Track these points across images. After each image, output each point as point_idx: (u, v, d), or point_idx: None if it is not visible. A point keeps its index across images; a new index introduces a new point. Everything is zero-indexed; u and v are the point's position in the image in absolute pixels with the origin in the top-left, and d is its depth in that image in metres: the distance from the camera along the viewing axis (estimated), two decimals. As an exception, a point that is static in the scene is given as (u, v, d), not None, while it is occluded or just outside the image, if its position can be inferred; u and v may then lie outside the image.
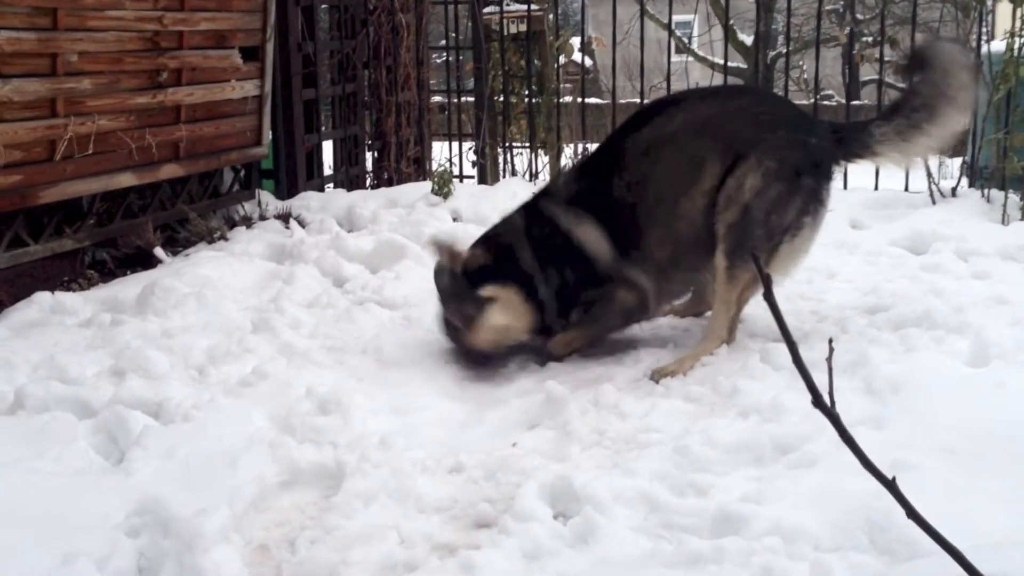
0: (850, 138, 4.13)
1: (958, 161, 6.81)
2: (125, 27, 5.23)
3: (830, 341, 1.47)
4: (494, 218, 6.11)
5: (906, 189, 6.41)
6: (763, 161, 3.95)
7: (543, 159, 8.13)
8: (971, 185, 6.39)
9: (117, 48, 5.21)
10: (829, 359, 1.34)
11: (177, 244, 5.87)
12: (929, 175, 6.11)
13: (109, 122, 5.23)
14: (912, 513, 1.21)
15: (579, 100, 8.26)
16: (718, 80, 19.02)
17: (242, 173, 6.69)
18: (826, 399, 1.24)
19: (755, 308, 4.41)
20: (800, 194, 3.97)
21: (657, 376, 3.82)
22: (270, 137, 6.74)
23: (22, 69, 4.69)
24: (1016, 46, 5.77)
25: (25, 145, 4.78)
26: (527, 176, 7.79)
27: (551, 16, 8.91)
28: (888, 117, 4.09)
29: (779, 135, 4.03)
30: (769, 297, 1.35)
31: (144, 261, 5.52)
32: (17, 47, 4.63)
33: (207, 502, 2.83)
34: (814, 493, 2.77)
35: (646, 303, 4.13)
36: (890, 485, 1.24)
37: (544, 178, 7.77)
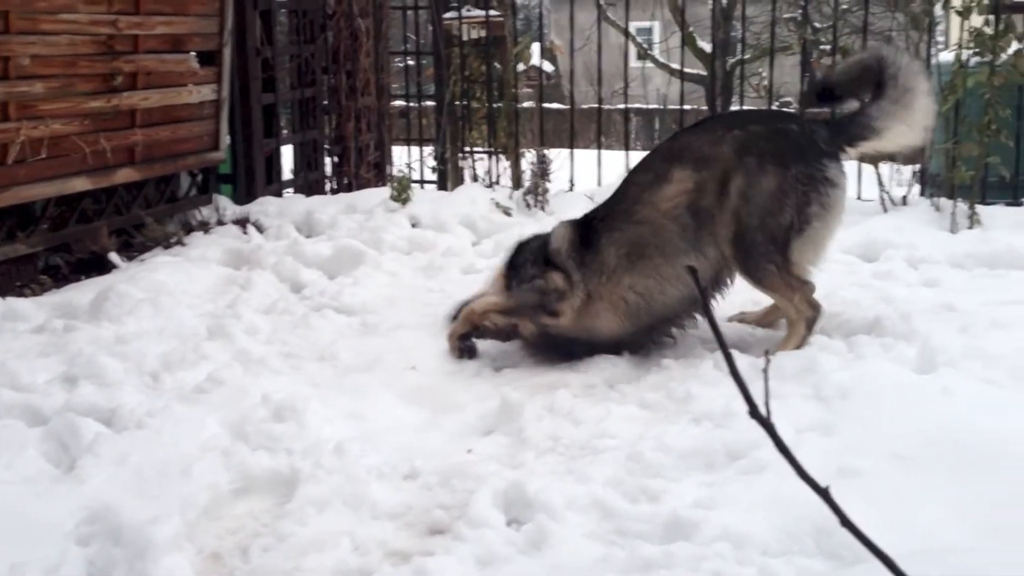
0: (849, 122, 4.13)
1: (911, 169, 6.90)
2: (79, 30, 5.20)
3: (766, 352, 1.50)
4: (453, 224, 6.15)
5: (859, 197, 6.50)
6: (744, 158, 3.99)
7: (503, 164, 8.15)
8: (922, 194, 6.49)
9: (71, 52, 5.17)
10: (765, 369, 1.37)
11: (133, 249, 5.83)
12: (880, 184, 6.20)
13: (63, 126, 5.18)
14: (845, 522, 1.24)
15: (540, 105, 8.27)
16: (676, 86, 19.16)
17: (199, 178, 6.66)
18: (763, 409, 1.26)
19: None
20: (795, 183, 3.96)
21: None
22: (228, 142, 6.71)
23: (-27, 73, 4.66)
24: (964, 57, 5.87)
25: (-24, 149, 4.74)
26: (487, 182, 7.80)
27: (511, 22, 8.93)
28: (876, 100, 4.10)
29: (752, 129, 4.08)
30: (707, 311, 1.38)
31: (99, 266, 5.47)
32: (-32, 51, 4.59)
33: (159, 510, 2.83)
34: (764, 499, 2.81)
35: (567, 290, 4.12)
36: (824, 494, 1.27)
37: (504, 183, 7.79)
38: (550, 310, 4.13)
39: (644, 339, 4.18)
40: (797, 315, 4.03)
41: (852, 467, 2.85)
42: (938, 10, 6.31)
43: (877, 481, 2.81)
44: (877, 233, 5.55)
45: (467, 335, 4.23)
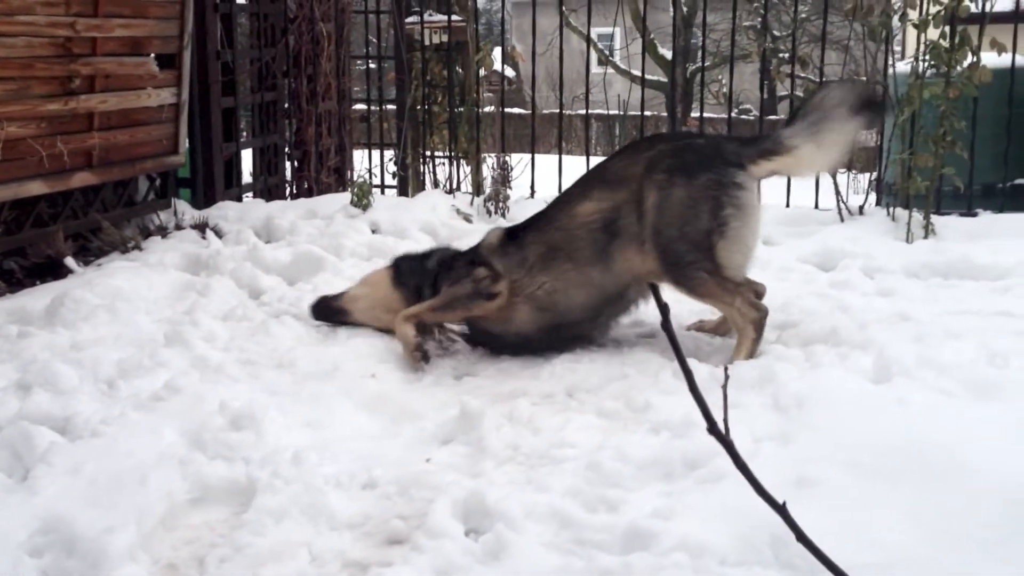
0: (763, 139, 4.37)
1: (867, 177, 7.00)
2: (36, 32, 5.13)
3: (725, 368, 1.52)
4: (413, 230, 6.14)
5: (816, 206, 6.57)
6: (653, 175, 4.19)
7: (464, 170, 8.15)
8: (878, 203, 6.57)
9: (28, 54, 5.11)
10: (724, 386, 1.38)
11: (89, 254, 5.76)
12: (838, 192, 6.27)
13: (19, 129, 5.12)
14: (801, 536, 1.26)
15: (501, 110, 8.28)
16: (637, 92, 19.30)
17: (158, 182, 6.60)
18: (721, 425, 1.27)
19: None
20: (704, 191, 4.11)
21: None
22: (187, 145, 6.65)
23: (-73, 75, 4.59)
24: (920, 69, 5.95)
25: (-70, 152, 4.66)
26: (448, 188, 7.79)
27: (472, 27, 8.93)
28: (792, 123, 4.32)
29: (660, 148, 4.31)
30: (666, 326, 1.39)
31: (54, 271, 5.40)
32: (-79, 52, 4.52)
33: (114, 520, 2.80)
34: (721, 508, 2.82)
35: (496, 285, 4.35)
36: (780, 510, 1.28)
37: (465, 189, 7.79)
38: (487, 293, 4.33)
39: (549, 338, 4.36)
40: (742, 319, 4.13)
41: (809, 477, 2.88)
42: (895, 22, 6.39)
43: (833, 491, 2.84)
44: (834, 242, 5.62)
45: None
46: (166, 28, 6.07)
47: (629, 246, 4.20)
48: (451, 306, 4.39)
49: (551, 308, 4.32)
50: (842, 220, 6.17)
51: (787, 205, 6.66)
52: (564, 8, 11.99)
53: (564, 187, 4.85)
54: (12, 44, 5.00)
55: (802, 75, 7.93)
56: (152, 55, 6.03)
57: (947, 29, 5.94)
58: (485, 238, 4.59)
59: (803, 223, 6.20)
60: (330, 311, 4.66)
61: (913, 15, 5.96)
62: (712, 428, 1.27)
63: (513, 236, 4.49)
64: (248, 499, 3.02)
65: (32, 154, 5.23)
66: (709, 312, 4.54)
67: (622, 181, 4.27)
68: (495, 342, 4.44)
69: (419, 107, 8.46)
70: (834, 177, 6.23)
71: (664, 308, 1.34)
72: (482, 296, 4.33)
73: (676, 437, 3.32)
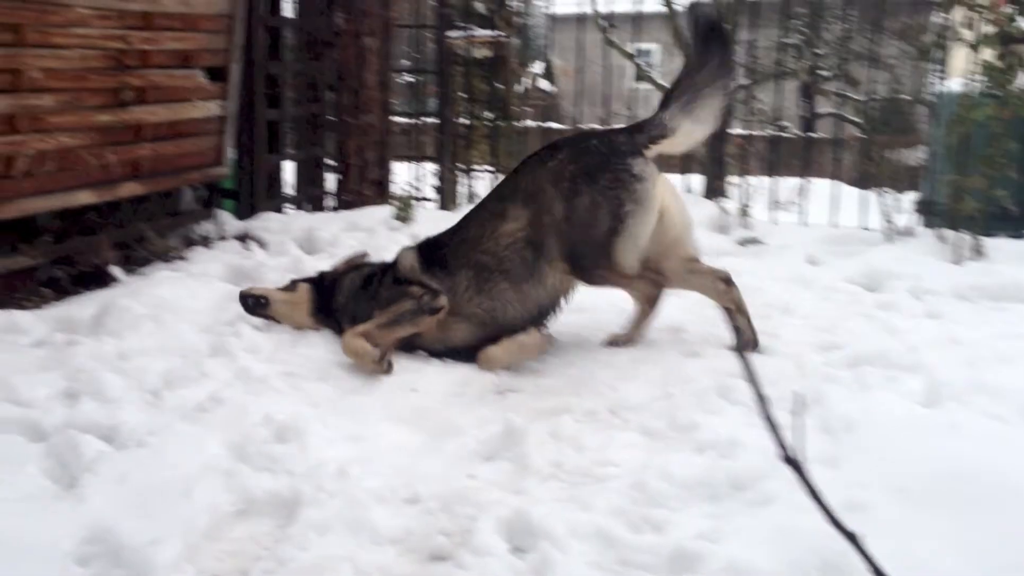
0: (646, 125, 4.56)
1: (909, 197, 6.91)
2: (90, 44, 5.19)
3: (798, 396, 1.49)
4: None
5: (863, 227, 6.50)
6: (559, 185, 4.38)
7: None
8: (926, 224, 6.49)
9: (81, 65, 5.16)
10: (799, 412, 1.35)
11: (134, 263, 5.80)
12: (885, 213, 6.20)
13: (70, 139, 5.17)
14: (876, 570, 1.23)
15: (541, 125, 8.28)
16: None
17: (202, 192, 6.64)
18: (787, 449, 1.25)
19: (708, 342, 4.46)
20: (606, 191, 4.33)
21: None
22: (232, 157, 6.70)
23: (-17, 85, 4.65)
24: (974, 90, 5.87)
25: (-18, 161, 4.72)
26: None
27: (515, 42, 8.95)
28: (666, 106, 4.56)
29: (560, 157, 4.47)
30: (740, 350, 1.37)
31: (100, 280, 5.44)
32: (-21, 62, 4.59)
33: (160, 531, 2.81)
34: (770, 532, 2.79)
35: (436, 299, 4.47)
36: (853, 540, 1.26)
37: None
38: (431, 308, 4.44)
39: (488, 344, 4.44)
40: (643, 300, 4.58)
41: (858, 501, 2.83)
42: (948, 42, 6.32)
43: (883, 516, 2.79)
44: (880, 263, 5.55)
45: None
46: (215, 41, 6.13)
47: (550, 258, 4.42)
48: (398, 323, 4.44)
49: (491, 323, 4.48)
50: (889, 240, 6.09)
51: (832, 225, 6.60)
52: (603, 24, 11.96)
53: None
54: (67, 56, 5.05)
55: (850, 95, 7.86)
56: (201, 68, 6.08)
57: (1000, 48, 5.85)
58: (401, 260, 4.68)
59: (848, 243, 6.14)
60: (253, 306, 4.79)
61: (967, 35, 5.89)
62: (786, 456, 1.24)
63: (431, 256, 4.61)
64: (292, 512, 3.02)
65: (82, 164, 5.29)
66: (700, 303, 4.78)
67: (533, 196, 4.45)
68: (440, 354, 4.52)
69: (459, 120, 8.47)
70: (881, 197, 6.16)
71: (737, 331, 1.31)
72: (425, 311, 4.44)
73: (722, 457, 3.29)
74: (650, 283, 4.55)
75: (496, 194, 4.80)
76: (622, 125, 4.99)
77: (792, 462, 1.26)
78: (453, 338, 4.50)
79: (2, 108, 4.75)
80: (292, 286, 4.86)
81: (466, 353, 4.43)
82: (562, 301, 4.58)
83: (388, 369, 4.21)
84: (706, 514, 2.99)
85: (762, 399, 1.27)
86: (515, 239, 4.44)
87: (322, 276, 4.94)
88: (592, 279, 4.50)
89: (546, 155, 4.60)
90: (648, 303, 4.60)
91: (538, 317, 4.52)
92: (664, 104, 4.57)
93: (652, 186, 4.38)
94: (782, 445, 1.24)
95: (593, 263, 4.39)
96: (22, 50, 4.79)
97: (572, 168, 4.40)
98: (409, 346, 4.48)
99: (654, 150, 4.46)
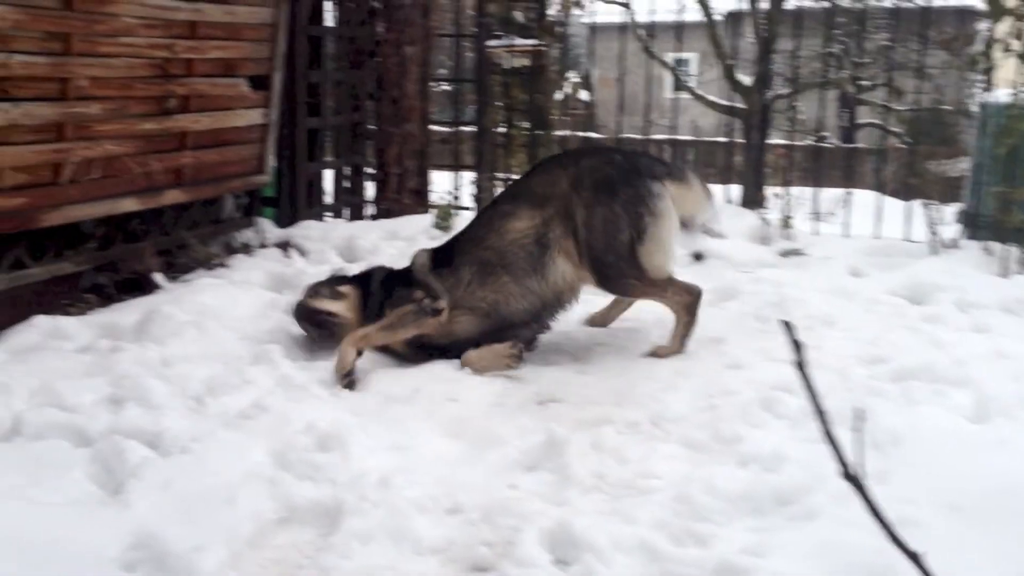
0: (672, 164, 4.87)
1: (951, 209, 6.82)
2: (136, 53, 5.25)
3: (858, 412, 1.47)
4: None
5: (906, 238, 6.43)
6: (581, 193, 4.55)
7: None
8: (971, 236, 6.40)
9: (127, 74, 5.22)
10: (859, 429, 1.34)
11: (176, 270, 5.84)
12: (930, 225, 6.12)
13: (115, 147, 5.23)
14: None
15: (579, 134, 8.28)
16: (710, 119, 19.14)
17: (243, 200, 6.69)
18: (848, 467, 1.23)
19: (751, 354, 4.43)
20: (627, 206, 4.51)
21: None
22: (273, 165, 6.74)
23: (33, 93, 4.70)
24: (1022, 100, 5.79)
25: (31, 168, 4.78)
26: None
27: (555, 52, 8.95)
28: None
29: (582, 165, 4.66)
30: (800, 365, 1.35)
31: (142, 286, 5.49)
32: (29, 71, 4.64)
33: (204, 538, 2.83)
34: (815, 546, 2.77)
35: (437, 301, 4.60)
36: (916, 559, 1.23)
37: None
38: (432, 310, 4.55)
39: (494, 338, 4.57)
40: (676, 305, 4.61)
41: (908, 517, 2.78)
42: (995, 52, 6.24)
43: (932, 532, 2.75)
44: (925, 275, 5.48)
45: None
46: (258, 50, 6.17)
47: (562, 257, 4.57)
48: (400, 325, 4.54)
49: (494, 315, 4.62)
50: (933, 252, 6.02)
51: (876, 236, 6.53)
52: (641, 33, 11.94)
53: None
54: (113, 65, 5.11)
55: (890, 104, 7.79)
56: (244, 76, 6.12)
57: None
58: (415, 260, 4.80)
59: (892, 255, 6.07)
60: (321, 323, 4.68)
61: (1016, 45, 5.81)
62: (846, 472, 1.22)
63: (441, 256, 4.75)
64: (335, 521, 3.02)
65: (127, 172, 5.34)
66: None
67: (548, 198, 4.60)
68: (441, 352, 4.56)
69: (498, 129, 8.48)
70: (926, 209, 6.09)
71: (798, 346, 1.30)
72: (427, 313, 4.55)
73: (766, 471, 3.26)
74: (682, 291, 4.63)
75: (508, 194, 5.00)
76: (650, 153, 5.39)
77: (852, 479, 1.23)
78: (457, 331, 4.60)
79: (50, 116, 4.81)
80: (336, 294, 4.79)
81: (469, 346, 4.52)
82: (567, 300, 4.70)
83: (349, 386, 4.22)
84: (751, 528, 2.97)
85: (822, 414, 1.25)
86: (523, 236, 4.59)
87: (359, 278, 4.92)
88: (623, 290, 4.70)
89: (567, 161, 4.80)
90: (686, 312, 4.61)
91: (541, 311, 4.67)
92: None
93: (668, 203, 4.58)
94: (843, 461, 1.22)
95: (621, 273, 4.54)
96: (70, 59, 4.84)
97: (593, 178, 4.57)
98: (417, 343, 4.59)
99: (668, 187, 4.63)
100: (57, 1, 4.74)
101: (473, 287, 4.62)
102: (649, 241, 4.52)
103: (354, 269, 5.31)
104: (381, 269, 4.97)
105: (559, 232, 4.57)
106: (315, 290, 4.81)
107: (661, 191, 4.57)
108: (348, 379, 4.24)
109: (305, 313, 4.69)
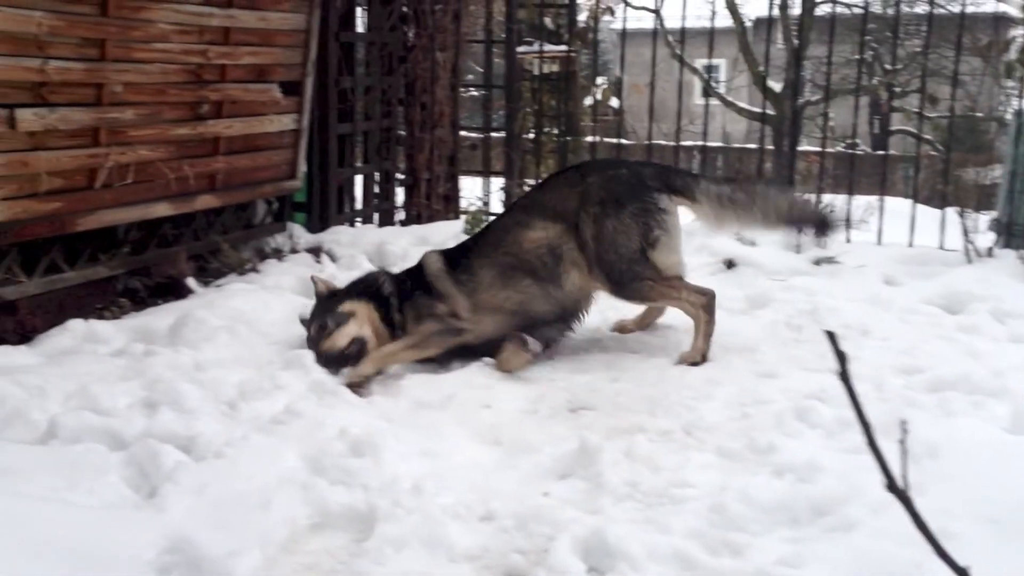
0: (680, 177, 4.91)
1: (985, 216, 6.74)
2: (170, 59, 5.29)
3: (903, 424, 1.45)
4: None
5: (941, 247, 6.36)
6: (589, 209, 4.68)
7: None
8: (1004, 244, 6.34)
9: (161, 80, 5.26)
10: (903, 442, 1.32)
11: (208, 274, 5.88)
12: (965, 233, 6.05)
13: (149, 152, 5.27)
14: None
15: (608, 140, 8.27)
16: (739, 125, 19.07)
17: (275, 205, 6.72)
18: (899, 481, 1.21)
19: (784, 362, 4.40)
20: (636, 218, 4.65)
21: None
22: (304, 170, 6.77)
23: (68, 98, 4.74)
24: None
25: (66, 173, 4.82)
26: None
27: (585, 58, 8.95)
28: (719, 181, 4.96)
29: (589, 181, 4.76)
30: (844, 377, 1.34)
31: (175, 290, 5.53)
32: (65, 76, 4.68)
33: (238, 542, 2.83)
34: (852, 558, 2.74)
35: (460, 322, 4.67)
36: (964, 574, 1.22)
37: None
38: (455, 330, 4.62)
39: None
40: (693, 307, 4.66)
41: (946, 530, 2.71)
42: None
43: (971, 546, 2.70)
44: (960, 284, 5.43)
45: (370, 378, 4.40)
46: (290, 56, 6.20)
47: (573, 268, 4.71)
48: (424, 345, 4.58)
49: (520, 314, 4.70)
50: (969, 261, 5.96)
51: (910, 244, 6.47)
52: (671, 39, 11.90)
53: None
54: (147, 71, 5.15)
55: (923, 112, 7.73)
56: (276, 82, 6.15)
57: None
58: (428, 264, 4.82)
59: (927, 263, 6.01)
60: (358, 353, 4.52)
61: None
62: (891, 485, 1.21)
63: (456, 260, 4.80)
64: (368, 527, 3.02)
65: (160, 177, 5.38)
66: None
67: (560, 214, 4.74)
68: (471, 351, 4.59)
69: (527, 135, 8.49)
70: (962, 217, 6.03)
71: (842, 357, 1.28)
72: (451, 333, 4.61)
73: (801, 481, 3.23)
74: (696, 292, 4.70)
75: (520, 206, 5.08)
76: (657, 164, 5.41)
77: (898, 491, 1.22)
78: (487, 332, 4.64)
79: (86, 121, 4.86)
80: (342, 316, 4.59)
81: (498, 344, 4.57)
82: (584, 306, 4.84)
83: (358, 392, 4.21)
84: (786, 539, 2.94)
85: (867, 427, 1.24)
86: (537, 247, 4.72)
87: (356, 289, 4.80)
88: (638, 294, 4.77)
89: (575, 178, 4.89)
90: (705, 311, 4.64)
91: (563, 313, 4.78)
92: (725, 180, 4.91)
93: (676, 218, 4.75)
94: (888, 474, 1.20)
95: (635, 277, 4.65)
96: (105, 64, 4.89)
97: (602, 194, 4.70)
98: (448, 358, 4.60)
99: (675, 200, 4.76)
100: (93, 7, 4.78)
101: (496, 289, 4.70)
102: (661, 248, 4.67)
103: (343, 278, 5.19)
104: (384, 274, 4.94)
105: (570, 246, 4.71)
106: (321, 327, 4.56)
107: (668, 205, 4.71)
108: (356, 389, 4.23)
109: (336, 359, 4.42)
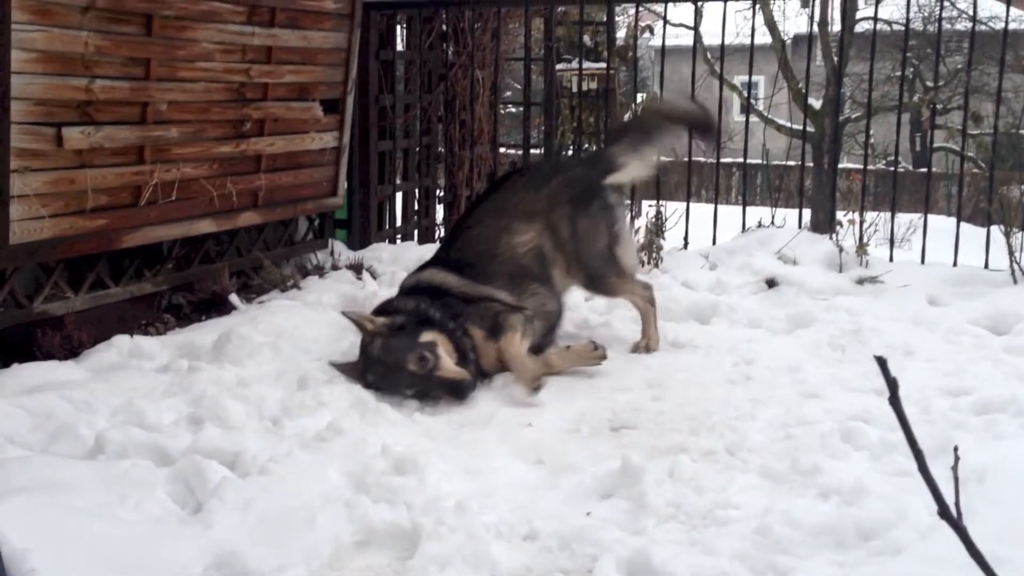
0: (600, 159, 5.40)
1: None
2: (214, 78, 5.35)
3: (955, 449, 1.43)
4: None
5: (986, 267, 6.28)
6: (559, 210, 4.98)
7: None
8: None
9: (205, 98, 5.33)
10: (955, 468, 1.30)
11: (250, 291, 5.93)
12: (1011, 253, 5.98)
13: (193, 170, 5.33)
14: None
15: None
16: (778, 142, 18.96)
17: (316, 222, 6.78)
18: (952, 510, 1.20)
19: (828, 383, 4.36)
20: (600, 216, 5.02)
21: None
22: (345, 187, 6.82)
23: (114, 117, 4.81)
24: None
25: (112, 190, 4.89)
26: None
27: (624, 75, 8.96)
28: (619, 140, 5.39)
29: (553, 184, 5.08)
30: (894, 402, 1.32)
31: (218, 307, 5.58)
32: (111, 95, 4.75)
33: (284, 559, 2.84)
34: (901, 583, 2.70)
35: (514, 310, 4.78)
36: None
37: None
38: (528, 316, 4.72)
39: (546, 342, 4.85)
40: (643, 301, 5.10)
41: (996, 555, 2.66)
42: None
43: (1022, 572, 2.68)
44: (1007, 305, 5.35)
45: None
46: (332, 74, 6.26)
47: (555, 267, 4.99)
48: (526, 333, 4.64)
49: (542, 315, 4.85)
50: (1015, 282, 5.88)
51: (954, 264, 6.40)
52: (710, 56, 11.87)
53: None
54: (191, 89, 5.22)
55: (966, 130, 7.64)
56: (318, 100, 6.21)
57: None
58: (442, 282, 4.78)
59: (972, 283, 5.93)
60: (433, 368, 4.41)
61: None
62: (944, 512, 1.19)
63: (460, 272, 4.83)
64: (412, 545, 3.02)
65: (204, 194, 5.44)
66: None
67: (533, 215, 4.99)
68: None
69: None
70: (1007, 237, 5.96)
71: (893, 383, 1.27)
72: (528, 320, 4.70)
73: (847, 504, 3.20)
74: (644, 287, 5.16)
75: (491, 211, 5.11)
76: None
77: (951, 519, 1.20)
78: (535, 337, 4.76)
79: (131, 139, 4.93)
80: (428, 346, 4.40)
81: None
82: (564, 305, 5.12)
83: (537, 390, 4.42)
84: (833, 562, 2.91)
85: (919, 453, 1.23)
86: (526, 250, 4.95)
87: (421, 317, 4.57)
88: (608, 289, 5.14)
89: (537, 180, 5.18)
90: (652, 304, 5.10)
91: (561, 317, 5.03)
92: (615, 137, 5.43)
93: (623, 209, 5.33)
94: (941, 501, 1.19)
95: (607, 273, 5.03)
96: (149, 83, 4.96)
97: (567, 194, 5.02)
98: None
99: (609, 180, 5.14)
100: (139, 27, 4.85)
101: (514, 297, 4.81)
102: (623, 243, 5.10)
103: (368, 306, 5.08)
104: (412, 300, 4.67)
105: (548, 246, 4.98)
106: (421, 359, 4.34)
107: (614, 199, 5.14)
108: (536, 384, 4.44)
109: (447, 384, 4.34)
